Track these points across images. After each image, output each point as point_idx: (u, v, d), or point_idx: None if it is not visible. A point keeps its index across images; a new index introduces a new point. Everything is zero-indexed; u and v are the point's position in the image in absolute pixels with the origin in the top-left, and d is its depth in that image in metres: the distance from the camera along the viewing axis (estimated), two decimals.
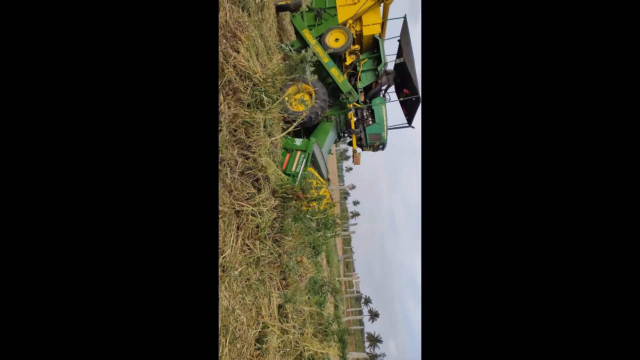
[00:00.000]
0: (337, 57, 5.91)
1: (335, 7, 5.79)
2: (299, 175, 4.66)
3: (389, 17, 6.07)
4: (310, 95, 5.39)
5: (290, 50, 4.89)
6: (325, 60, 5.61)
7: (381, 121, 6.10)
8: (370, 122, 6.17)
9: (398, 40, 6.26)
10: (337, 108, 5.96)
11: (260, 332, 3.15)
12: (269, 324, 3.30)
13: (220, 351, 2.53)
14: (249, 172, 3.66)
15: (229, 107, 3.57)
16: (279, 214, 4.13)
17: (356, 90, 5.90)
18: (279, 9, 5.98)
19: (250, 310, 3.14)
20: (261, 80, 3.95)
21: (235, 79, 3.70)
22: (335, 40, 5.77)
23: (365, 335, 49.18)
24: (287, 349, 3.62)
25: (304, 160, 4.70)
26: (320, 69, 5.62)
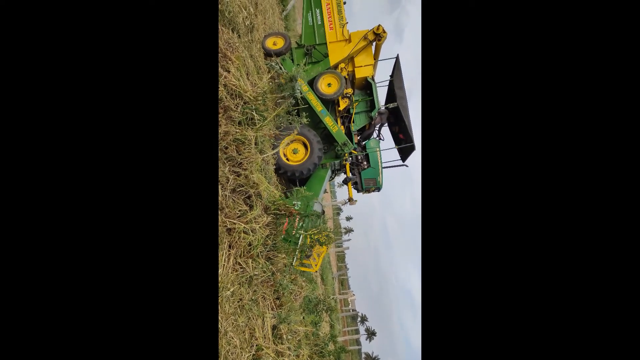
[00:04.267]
0: (330, 101, 5.78)
1: (326, 43, 5.65)
2: (299, 241, 4.64)
3: (380, 58, 5.97)
4: (304, 145, 5.29)
5: (280, 68, 5.00)
6: (319, 108, 5.44)
7: (376, 165, 5.96)
8: (365, 166, 6.02)
9: (390, 80, 6.09)
10: (332, 155, 5.79)
11: (254, 355, 3.03)
12: (263, 346, 3.18)
13: None
14: (240, 189, 3.63)
15: (220, 125, 3.59)
16: (271, 231, 4.08)
17: (350, 134, 5.82)
18: (268, 54, 5.61)
19: (244, 332, 3.02)
20: (251, 98, 4.01)
21: (226, 97, 3.74)
22: (328, 85, 5.55)
23: (363, 355, 47.69)
24: None
25: (302, 228, 4.67)
26: (312, 114, 5.52)
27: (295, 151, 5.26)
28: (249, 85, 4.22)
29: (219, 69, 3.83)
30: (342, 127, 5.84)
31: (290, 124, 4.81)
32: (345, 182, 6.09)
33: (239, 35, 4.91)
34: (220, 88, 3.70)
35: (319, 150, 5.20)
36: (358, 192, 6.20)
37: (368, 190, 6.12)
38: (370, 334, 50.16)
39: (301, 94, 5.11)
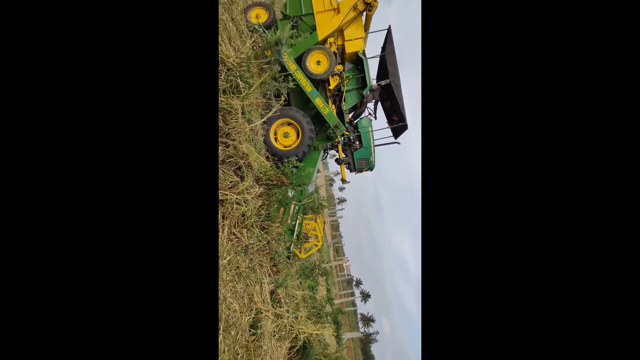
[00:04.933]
0: (320, 81, 5.44)
1: (313, 13, 5.24)
2: (295, 229, 4.60)
3: (371, 30, 5.53)
4: (295, 128, 5.08)
5: (264, 31, 4.72)
6: (309, 89, 5.12)
7: (368, 145, 5.78)
8: (358, 147, 5.83)
9: (381, 55, 5.72)
10: (324, 137, 5.57)
11: (254, 318, 3.16)
12: (262, 310, 3.31)
13: None
14: (230, 160, 3.57)
15: None
16: (264, 201, 4.09)
17: (342, 113, 5.57)
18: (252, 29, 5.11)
19: (242, 297, 3.13)
20: (235, 64, 3.82)
21: None
22: (317, 63, 5.21)
23: (359, 315, 50.70)
24: (282, 333, 3.66)
25: (299, 212, 4.62)
26: (302, 95, 5.24)
27: (286, 135, 5.09)
28: (231, 50, 4.00)
29: None
30: (334, 106, 5.60)
31: (278, 90, 4.62)
32: (339, 163, 5.97)
33: None
34: None
35: (310, 132, 5.03)
36: (351, 172, 6.12)
37: (361, 170, 6.03)
38: (365, 296, 52.98)
39: (291, 76, 4.82)
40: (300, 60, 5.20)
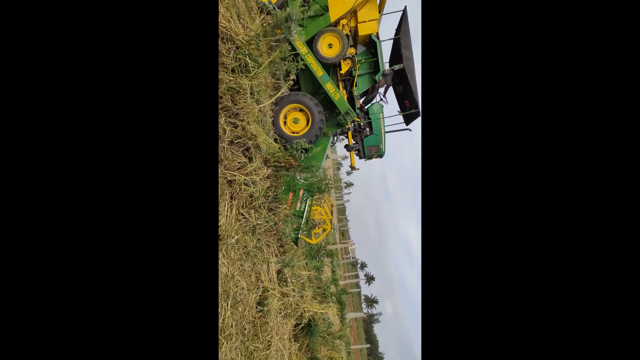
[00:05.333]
0: (331, 65, 5.24)
1: None
2: (304, 215, 4.58)
3: (385, 11, 5.27)
4: (304, 114, 4.96)
5: (274, 8, 4.57)
6: (320, 73, 4.96)
7: (379, 132, 5.62)
8: (368, 133, 5.68)
9: (396, 38, 5.42)
10: (334, 123, 5.42)
11: (260, 295, 3.26)
12: (269, 288, 3.40)
13: (222, 315, 2.62)
14: (238, 140, 3.56)
15: None
16: (272, 182, 4.11)
17: (353, 99, 5.38)
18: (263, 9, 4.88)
19: (250, 276, 3.21)
20: (244, 42, 3.73)
21: None
22: (329, 46, 5.03)
23: (362, 297, 51.90)
24: (288, 311, 3.77)
25: (308, 199, 4.59)
26: (312, 79, 5.09)
27: (295, 120, 4.99)
28: (240, 27, 3.90)
29: None
30: (344, 91, 5.43)
31: (288, 70, 4.52)
32: (348, 149, 5.86)
33: None
34: None
35: (320, 122, 4.92)
36: (360, 158, 6.02)
37: (370, 157, 5.92)
38: (369, 279, 54.02)
39: (301, 58, 4.64)
40: (311, 43, 5.02)
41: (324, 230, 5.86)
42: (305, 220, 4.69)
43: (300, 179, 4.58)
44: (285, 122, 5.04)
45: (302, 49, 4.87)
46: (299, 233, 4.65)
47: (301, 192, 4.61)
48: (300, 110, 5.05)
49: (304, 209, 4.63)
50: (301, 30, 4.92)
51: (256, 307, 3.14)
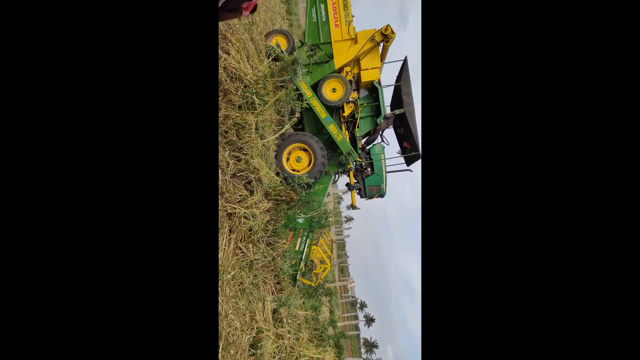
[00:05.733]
0: (335, 108, 5.51)
1: (331, 43, 5.31)
2: (303, 255, 4.63)
3: (387, 60, 5.66)
4: (307, 152, 5.17)
5: (281, 52, 4.88)
6: (323, 115, 5.23)
7: (380, 172, 5.77)
8: (369, 173, 5.83)
9: (397, 85, 5.74)
10: (336, 162, 5.65)
11: (254, 337, 3.07)
12: (264, 329, 3.22)
13: None
14: (240, 174, 3.61)
15: (220, 109, 3.53)
16: (272, 216, 4.08)
17: (355, 140, 5.65)
18: (273, 58, 5.14)
19: (244, 314, 3.06)
20: (252, 82, 3.93)
21: (225, 80, 3.67)
22: (333, 90, 5.31)
23: (361, 340, 48.82)
24: (283, 355, 3.53)
25: (307, 239, 4.67)
26: (316, 120, 5.38)
27: (298, 159, 5.15)
28: (249, 68, 4.14)
29: (219, 51, 3.74)
30: (347, 132, 5.66)
31: (293, 109, 4.71)
32: (349, 188, 5.95)
33: (239, 17, 4.77)
34: (220, 71, 3.63)
35: (322, 165, 5.08)
36: (361, 197, 6.08)
37: (371, 197, 5.97)
38: (369, 320, 51.21)
39: (305, 100, 4.91)
40: (316, 87, 5.30)
41: (324, 270, 5.70)
42: (305, 262, 4.60)
43: (300, 213, 4.56)
44: (288, 158, 5.14)
45: (307, 93, 5.13)
46: (297, 273, 4.54)
47: (301, 232, 4.58)
48: (305, 150, 5.19)
49: (303, 249, 4.57)
50: (307, 75, 5.23)
51: (249, 350, 2.95)
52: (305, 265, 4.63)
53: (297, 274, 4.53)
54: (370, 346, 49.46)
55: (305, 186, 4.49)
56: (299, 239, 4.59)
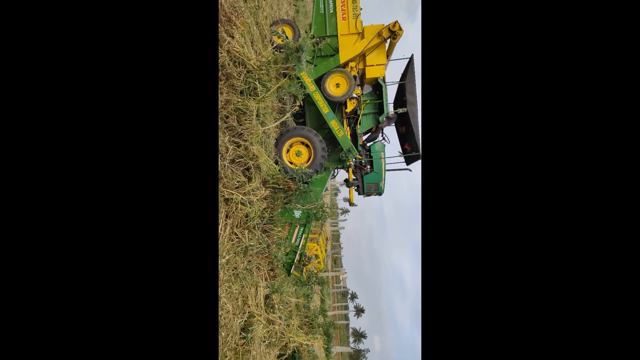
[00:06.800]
0: (337, 103, 5.46)
1: (337, 36, 5.21)
2: (299, 249, 4.64)
3: (393, 57, 5.56)
4: (307, 147, 5.13)
5: (286, 38, 4.80)
6: (325, 110, 5.14)
7: (379, 170, 5.74)
8: (369, 170, 5.80)
9: (401, 83, 5.67)
10: (335, 158, 5.55)
11: (246, 321, 3.13)
12: (255, 314, 3.28)
13: None
14: (239, 160, 3.60)
15: (221, 93, 3.50)
16: (269, 204, 4.09)
17: (356, 136, 5.61)
18: (276, 47, 5.13)
19: (237, 299, 3.11)
20: (255, 67, 3.88)
21: (228, 64, 3.61)
22: (336, 85, 5.25)
23: (350, 330, 49.76)
24: (273, 340, 3.60)
25: (303, 234, 4.68)
26: (318, 115, 5.32)
27: (298, 153, 5.12)
28: (253, 53, 4.08)
29: (223, 33, 3.67)
30: (348, 129, 5.61)
31: (294, 97, 4.67)
32: (348, 185, 5.94)
33: (245, 0, 4.68)
34: (223, 54, 3.57)
35: (322, 159, 5.06)
36: (359, 194, 6.08)
37: (369, 194, 5.98)
38: (359, 311, 52.09)
39: (307, 90, 4.85)
40: (319, 81, 5.23)
41: (315, 267, 5.79)
42: (299, 257, 4.66)
43: (297, 205, 4.59)
44: (288, 151, 5.13)
45: (311, 86, 5.06)
46: (292, 265, 4.61)
47: (297, 227, 4.63)
48: (306, 145, 5.16)
49: (299, 244, 4.63)
50: (311, 69, 5.13)
51: (240, 334, 3.00)
52: (299, 259, 4.69)
53: (292, 263, 4.59)
54: (359, 336, 50.47)
55: (304, 176, 4.49)
56: (296, 231, 4.64)
